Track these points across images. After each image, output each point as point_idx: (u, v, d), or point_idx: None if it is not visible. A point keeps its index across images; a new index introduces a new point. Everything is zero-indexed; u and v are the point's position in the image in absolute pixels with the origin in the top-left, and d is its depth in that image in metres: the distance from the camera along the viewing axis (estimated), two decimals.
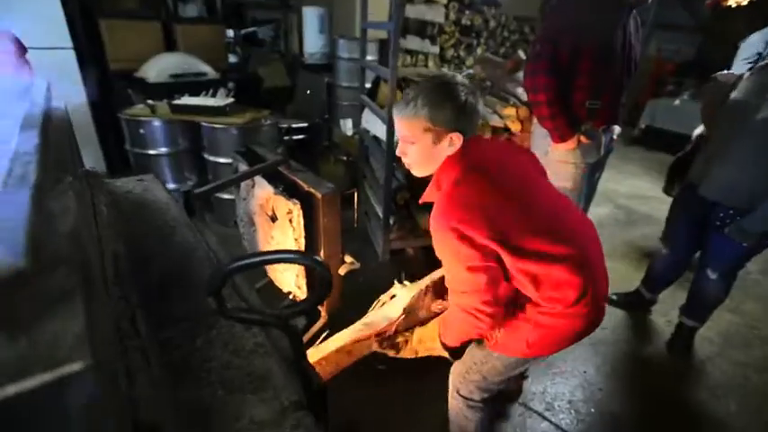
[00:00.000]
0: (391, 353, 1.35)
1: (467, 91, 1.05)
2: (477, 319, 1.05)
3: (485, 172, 1.05)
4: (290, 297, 1.60)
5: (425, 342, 1.32)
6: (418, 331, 1.36)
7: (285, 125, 3.61)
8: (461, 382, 1.36)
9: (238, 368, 0.63)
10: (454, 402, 1.42)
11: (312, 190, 1.42)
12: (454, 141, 1.06)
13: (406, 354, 1.37)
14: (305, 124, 3.90)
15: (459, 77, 1.10)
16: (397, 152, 1.14)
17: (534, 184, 1.14)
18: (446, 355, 1.26)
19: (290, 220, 1.43)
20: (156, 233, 0.99)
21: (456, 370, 1.40)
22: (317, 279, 0.52)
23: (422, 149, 1.08)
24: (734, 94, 1.85)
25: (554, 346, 1.18)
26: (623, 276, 2.90)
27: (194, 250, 0.94)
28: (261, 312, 0.57)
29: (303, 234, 1.42)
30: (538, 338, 1.13)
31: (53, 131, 0.67)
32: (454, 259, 1.03)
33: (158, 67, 3.46)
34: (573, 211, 1.21)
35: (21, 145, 0.50)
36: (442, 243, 1.04)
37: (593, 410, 1.93)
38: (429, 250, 2.72)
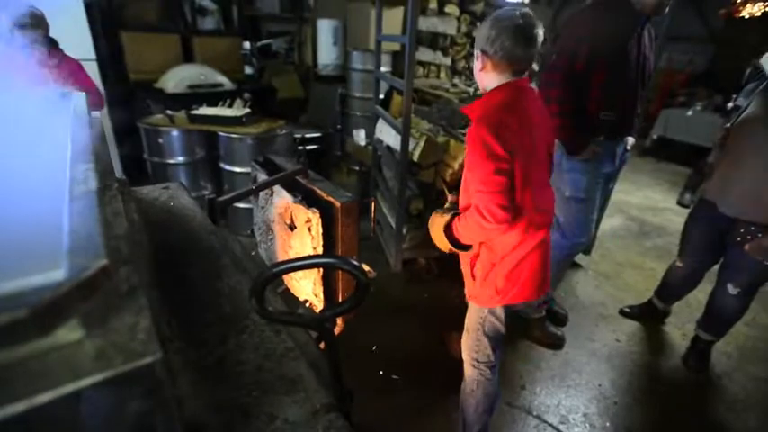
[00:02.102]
0: None
1: None
2: (485, 219, 1.21)
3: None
4: (307, 305, 1.62)
5: (434, 226, 1.46)
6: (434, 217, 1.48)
7: (299, 135, 3.67)
8: (477, 351, 1.54)
9: (270, 371, 0.65)
10: (476, 372, 1.56)
11: (331, 199, 1.44)
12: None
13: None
14: (318, 134, 3.95)
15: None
16: None
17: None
18: (444, 246, 1.43)
19: (309, 229, 1.45)
20: (183, 240, 1.02)
21: (467, 344, 1.57)
22: (356, 283, 0.54)
23: None
24: (747, 112, 1.86)
25: (514, 287, 1.41)
26: (637, 289, 2.88)
27: (221, 257, 0.96)
28: (300, 315, 0.59)
29: (322, 242, 1.44)
30: (503, 285, 1.39)
31: (96, 141, 0.70)
32: (484, 161, 1.19)
33: (177, 78, 3.55)
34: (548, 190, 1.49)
35: (75, 154, 0.54)
36: (475, 146, 1.21)
37: (608, 424, 1.91)
38: (441, 261, 2.74)
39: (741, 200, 1.86)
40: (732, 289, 2.02)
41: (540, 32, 1.26)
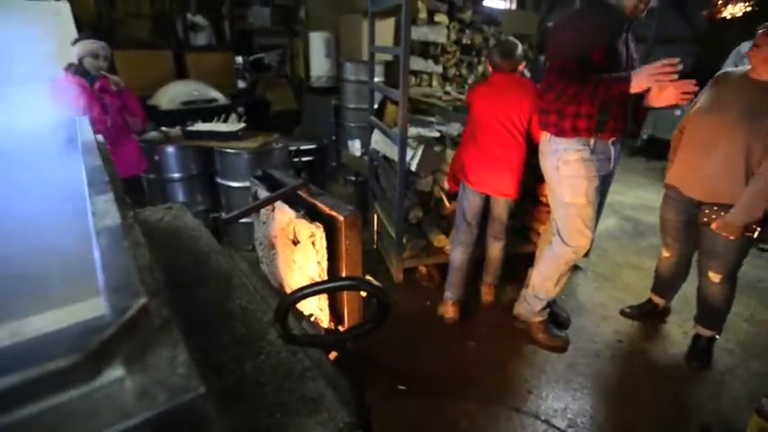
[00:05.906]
0: None
1: None
2: None
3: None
4: (312, 319, 1.62)
5: None
6: None
7: (294, 147, 3.68)
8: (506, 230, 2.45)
9: (291, 391, 0.64)
10: (503, 244, 2.48)
11: (334, 213, 1.45)
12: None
13: None
14: (313, 146, 3.96)
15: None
16: None
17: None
18: None
19: (313, 243, 1.46)
20: (191, 261, 1.02)
21: (502, 225, 2.44)
22: (377, 304, 0.54)
23: None
24: (699, 103, 2.02)
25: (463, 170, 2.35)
26: (636, 289, 2.89)
27: (230, 277, 0.96)
28: (322, 337, 0.60)
29: (326, 256, 1.44)
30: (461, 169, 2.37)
31: (108, 166, 0.70)
32: None
33: (170, 95, 3.55)
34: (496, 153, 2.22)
35: (92, 184, 0.54)
36: None
37: (616, 426, 1.91)
38: (442, 267, 2.75)
39: (701, 183, 2.00)
40: (714, 276, 2.09)
41: (517, 50, 2.16)
